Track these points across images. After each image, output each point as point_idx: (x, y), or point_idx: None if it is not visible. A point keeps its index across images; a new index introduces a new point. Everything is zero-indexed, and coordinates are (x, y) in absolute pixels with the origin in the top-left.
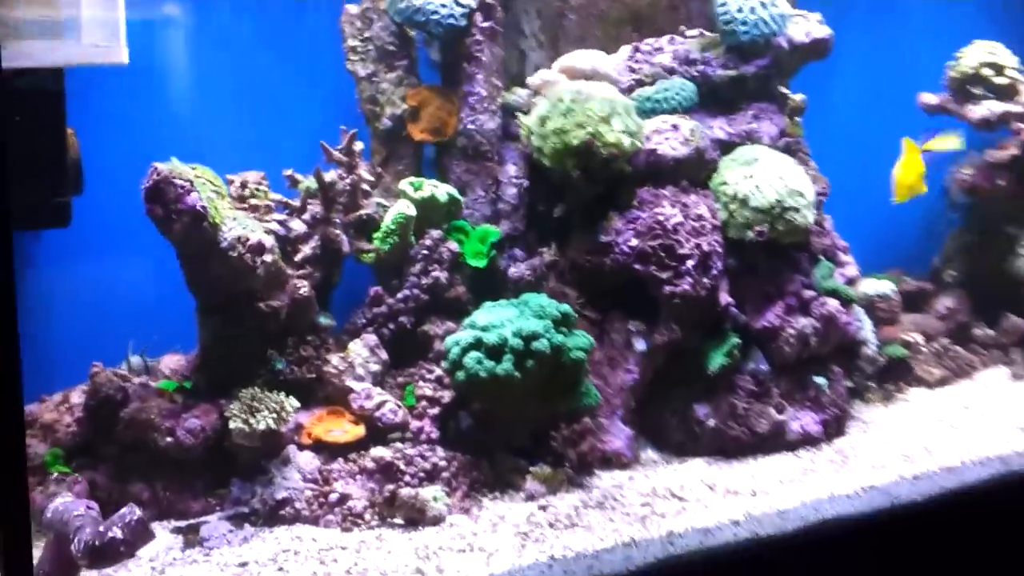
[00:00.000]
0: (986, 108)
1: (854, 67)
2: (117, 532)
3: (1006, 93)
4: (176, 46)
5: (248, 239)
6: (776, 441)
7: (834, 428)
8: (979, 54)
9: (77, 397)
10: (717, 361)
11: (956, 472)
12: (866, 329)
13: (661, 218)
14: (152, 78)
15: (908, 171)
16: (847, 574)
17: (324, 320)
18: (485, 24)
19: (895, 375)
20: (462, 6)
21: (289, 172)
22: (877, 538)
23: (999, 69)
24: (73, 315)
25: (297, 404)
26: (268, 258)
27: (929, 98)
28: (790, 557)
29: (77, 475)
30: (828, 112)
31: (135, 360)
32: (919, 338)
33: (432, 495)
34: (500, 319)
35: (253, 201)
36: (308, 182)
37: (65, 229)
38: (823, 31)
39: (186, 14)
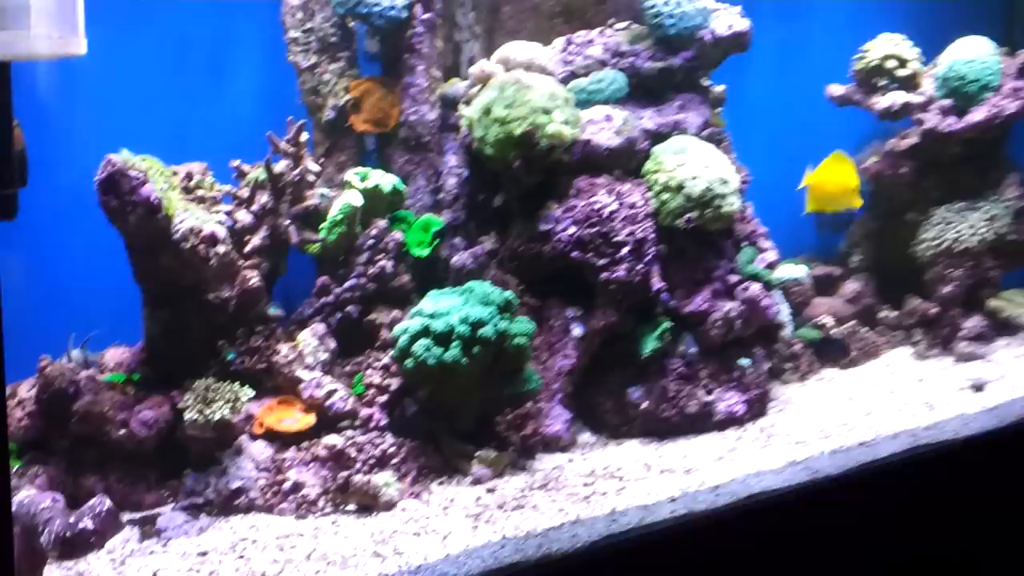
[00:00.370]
0: (890, 99)
1: (765, 59)
2: (88, 523)
3: (909, 84)
4: (117, 36)
5: (201, 230)
6: (705, 421)
7: (757, 407)
8: (884, 47)
9: (26, 391)
10: (650, 345)
11: (870, 446)
12: (784, 313)
13: (597, 206)
14: (92, 68)
15: (830, 179)
16: (776, 545)
17: (273, 310)
18: (425, 16)
19: (828, 354)
20: None
21: (237, 163)
22: (801, 509)
23: (902, 61)
24: (14, 308)
25: (251, 393)
26: (221, 249)
27: (836, 89)
28: (723, 530)
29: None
30: (742, 103)
31: (76, 354)
32: (829, 321)
33: (384, 481)
34: (447, 307)
35: (200, 192)
36: (255, 173)
37: (10, 221)
38: (743, 24)
39: (126, 2)
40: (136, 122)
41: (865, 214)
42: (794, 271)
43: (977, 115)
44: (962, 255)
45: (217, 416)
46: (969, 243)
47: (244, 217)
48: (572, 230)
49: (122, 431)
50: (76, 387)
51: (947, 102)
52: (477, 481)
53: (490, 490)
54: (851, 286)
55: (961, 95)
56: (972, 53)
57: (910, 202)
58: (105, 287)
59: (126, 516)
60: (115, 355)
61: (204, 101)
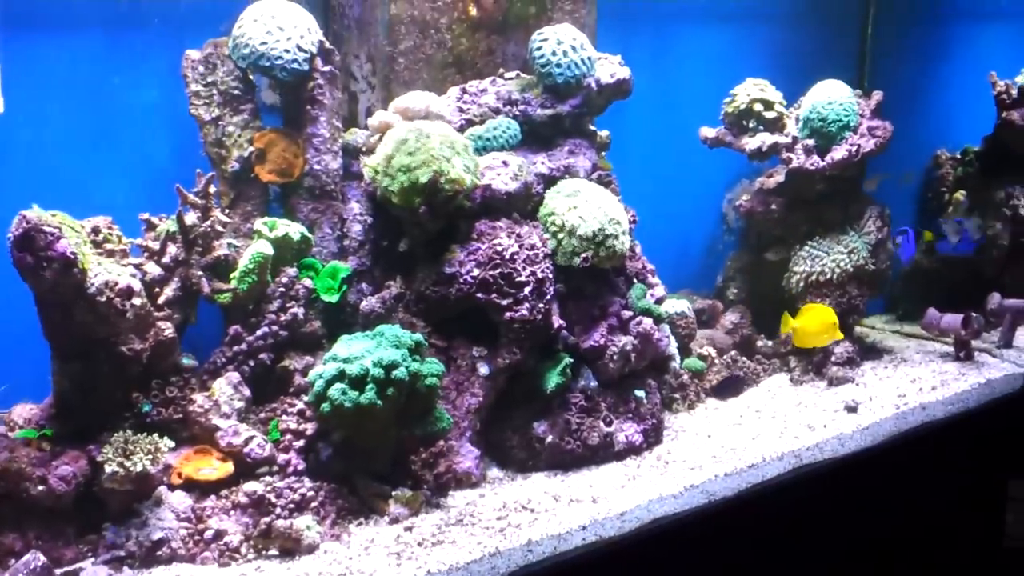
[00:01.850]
0: (759, 140)
1: (643, 104)
2: None
3: (774, 126)
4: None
5: (117, 283)
6: (606, 452)
7: (653, 436)
8: (750, 90)
9: None
10: (553, 380)
11: (758, 468)
12: (672, 345)
13: (499, 248)
14: None
15: (810, 322)
16: (680, 564)
17: (187, 361)
18: (325, 68)
19: (731, 389)
20: (304, 51)
21: (145, 216)
22: (700, 529)
23: (768, 104)
24: None
25: (172, 444)
26: (137, 301)
27: (708, 131)
28: (632, 554)
29: None
30: (624, 147)
31: None
32: (712, 351)
33: (305, 524)
34: (360, 351)
35: (108, 246)
36: (165, 225)
37: None
38: (625, 72)
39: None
40: (42, 179)
41: (739, 249)
42: (676, 305)
43: (838, 153)
44: (829, 285)
45: (139, 467)
46: (835, 274)
47: (153, 269)
48: (476, 272)
49: (40, 487)
50: None
51: (810, 142)
52: (395, 520)
53: (408, 528)
54: (729, 317)
55: (823, 135)
56: (831, 95)
57: (780, 237)
58: (5, 344)
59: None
60: (23, 412)
61: (103, 155)
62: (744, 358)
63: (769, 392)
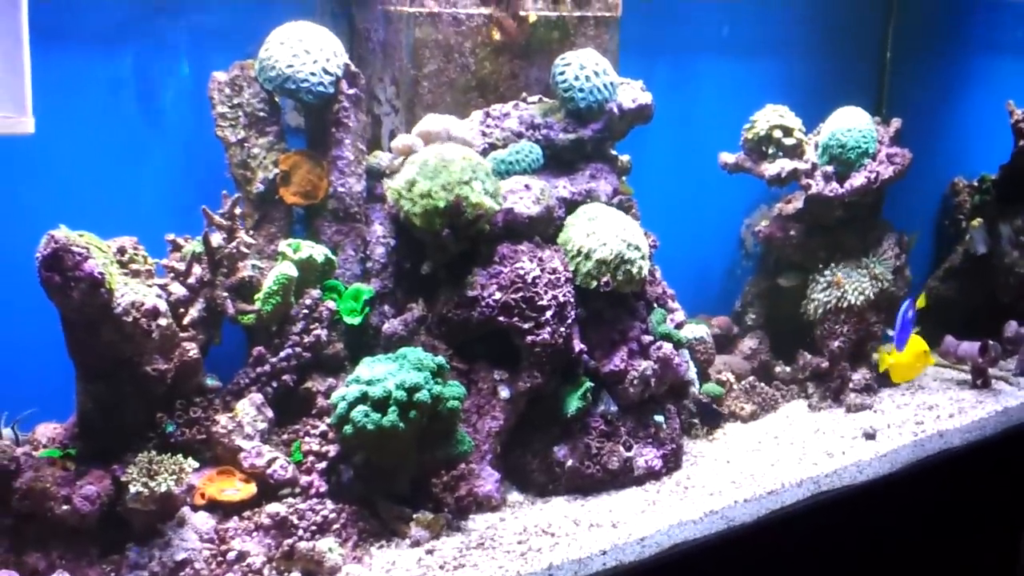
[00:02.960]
0: (778, 166)
1: (663, 129)
2: None
3: (794, 152)
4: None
5: (143, 303)
6: (626, 476)
7: (672, 462)
8: (770, 117)
9: None
10: (573, 404)
11: (777, 494)
12: (692, 370)
13: (522, 272)
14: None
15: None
16: None
17: (210, 382)
18: (351, 91)
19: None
20: (330, 74)
21: (171, 236)
22: (720, 555)
23: (788, 131)
24: None
25: (196, 465)
26: (163, 322)
27: (727, 157)
28: None
29: None
30: (645, 171)
31: (6, 433)
32: (731, 377)
33: (328, 546)
34: (382, 373)
35: (134, 266)
36: (191, 246)
37: None
38: (646, 97)
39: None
40: (68, 198)
41: (757, 274)
42: (695, 330)
43: (857, 180)
44: (847, 312)
45: (163, 488)
46: (853, 300)
47: (178, 290)
48: (498, 295)
49: (65, 507)
50: (17, 464)
51: (829, 168)
52: (416, 543)
53: (429, 551)
54: (747, 343)
55: (842, 162)
56: (851, 122)
57: (798, 262)
58: (29, 364)
59: None
60: (46, 431)
61: (129, 175)
62: (762, 384)
63: (787, 418)
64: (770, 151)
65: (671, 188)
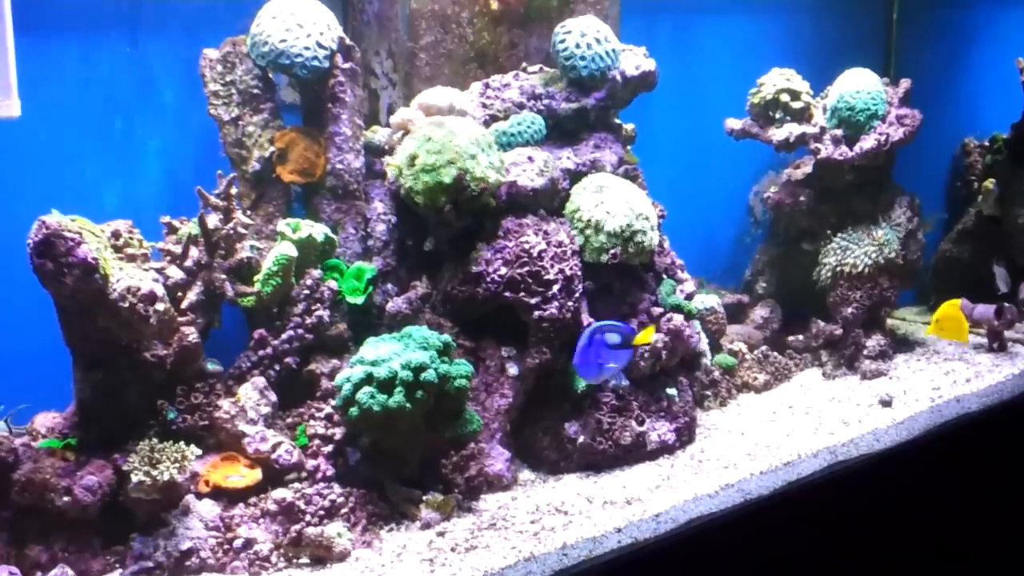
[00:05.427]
0: (786, 131)
1: (665, 97)
2: None
3: (802, 116)
4: (36, 99)
5: (139, 288)
6: (639, 451)
7: (686, 435)
8: (776, 80)
9: None
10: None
11: (794, 465)
12: (703, 341)
13: (527, 246)
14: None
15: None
16: (718, 564)
17: (211, 366)
18: (346, 65)
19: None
20: (324, 48)
21: (166, 219)
22: (738, 529)
23: (795, 94)
24: None
25: (198, 452)
26: (160, 307)
27: (734, 123)
28: (669, 556)
29: None
30: (647, 139)
31: (0, 426)
32: (743, 347)
33: (336, 531)
34: (387, 353)
35: (129, 250)
36: (186, 228)
37: None
38: (650, 64)
39: (39, 59)
40: (54, 182)
41: (767, 242)
42: (706, 300)
43: (867, 143)
44: (860, 278)
45: (165, 476)
46: (865, 266)
47: (176, 273)
48: (503, 271)
49: (66, 498)
50: (15, 455)
51: (838, 131)
52: (427, 525)
53: (440, 533)
54: (759, 312)
55: (851, 124)
56: (859, 84)
57: (809, 229)
58: (24, 353)
59: None
60: (45, 421)
61: (123, 158)
62: (775, 353)
63: (802, 387)
64: (777, 115)
65: (677, 156)
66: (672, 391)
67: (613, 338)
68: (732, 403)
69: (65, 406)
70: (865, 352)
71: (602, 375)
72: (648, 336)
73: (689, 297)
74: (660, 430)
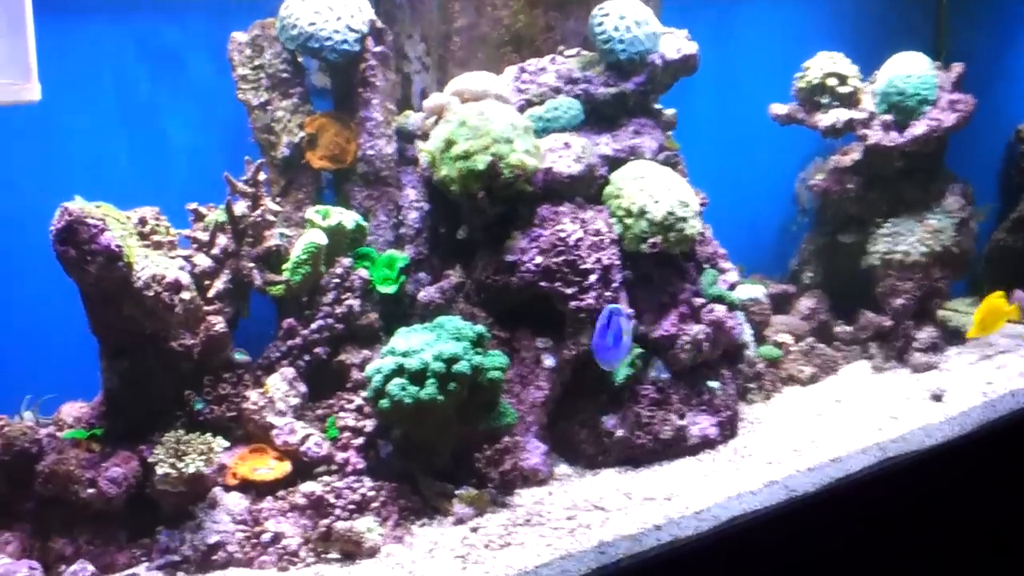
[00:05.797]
0: (833, 116)
1: (708, 81)
2: None
3: (849, 101)
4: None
5: (164, 277)
6: (679, 446)
7: (728, 429)
8: (823, 64)
9: None
10: (622, 372)
11: (841, 461)
12: (746, 332)
13: (563, 234)
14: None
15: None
16: (762, 564)
17: (240, 356)
18: (377, 49)
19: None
20: (354, 31)
21: (193, 206)
22: (782, 527)
23: (842, 79)
24: None
25: (225, 444)
26: (186, 295)
27: (779, 108)
28: (710, 555)
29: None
30: (689, 125)
31: (27, 417)
32: (788, 339)
33: (366, 526)
34: (419, 344)
35: (155, 238)
36: (213, 215)
37: None
38: (692, 47)
39: (65, 45)
40: (84, 168)
41: (814, 231)
42: (753, 291)
43: (918, 129)
44: (911, 267)
45: (191, 469)
46: (916, 256)
47: (203, 261)
48: (539, 260)
49: (90, 490)
50: (39, 446)
51: (888, 117)
52: (460, 520)
53: (474, 529)
54: (806, 303)
55: (901, 110)
56: (910, 68)
57: (857, 217)
58: (53, 341)
59: None
60: (72, 410)
61: (152, 144)
62: (822, 345)
63: (849, 381)
64: (824, 100)
65: (720, 142)
66: (714, 384)
67: (625, 322)
68: (777, 396)
69: (94, 396)
70: (915, 344)
71: (624, 354)
72: None
73: (732, 287)
74: (701, 424)
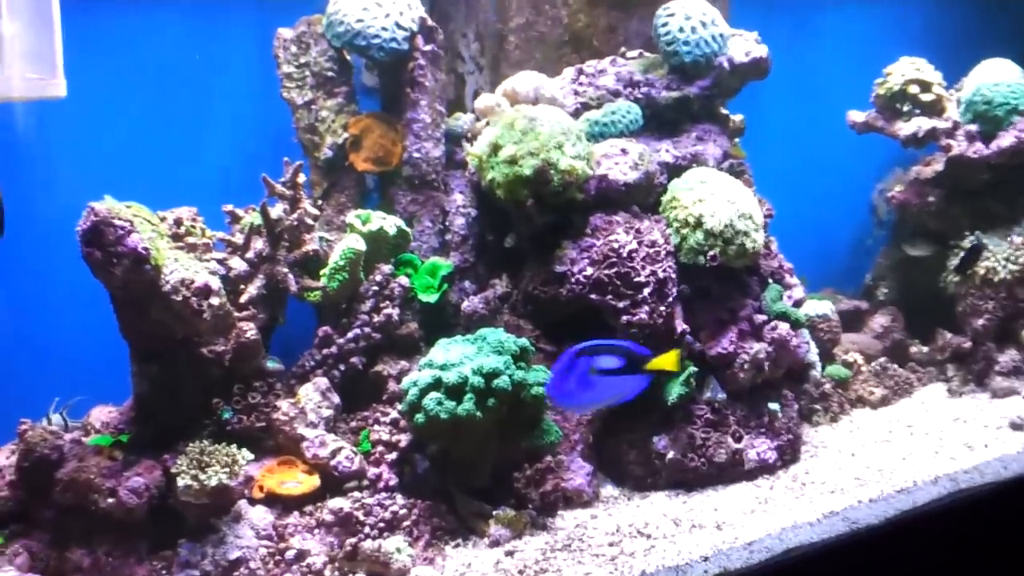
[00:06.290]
0: (914, 125)
1: (782, 86)
2: None
3: (932, 109)
4: (98, 77)
5: (193, 281)
6: (735, 470)
7: (789, 454)
8: (905, 70)
9: (5, 458)
10: (675, 391)
11: (909, 493)
12: (812, 351)
13: (616, 245)
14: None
15: None
16: None
17: (271, 364)
18: (427, 48)
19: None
20: (404, 29)
21: (229, 208)
22: (841, 563)
23: (925, 85)
24: None
25: (250, 456)
26: (215, 301)
27: (857, 116)
28: None
29: (16, 546)
30: (760, 132)
31: (56, 419)
32: (859, 358)
33: (395, 546)
34: (458, 356)
35: (190, 239)
36: (250, 218)
37: None
38: (761, 50)
39: (105, 42)
40: (121, 166)
41: (890, 244)
42: (818, 307)
43: (1005, 140)
44: (995, 286)
45: (213, 482)
46: (1001, 273)
47: (239, 265)
48: (589, 271)
49: (110, 500)
50: (60, 453)
51: (973, 127)
52: (495, 543)
53: (509, 553)
54: (879, 320)
55: (988, 120)
56: (998, 76)
57: (937, 232)
58: (87, 344)
59: None
60: (101, 414)
61: (193, 142)
62: (895, 366)
63: (923, 404)
64: (905, 108)
65: (792, 150)
66: (775, 405)
67: (607, 362)
68: (844, 419)
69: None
70: (997, 368)
71: (593, 405)
72: (671, 360)
73: (798, 304)
74: (760, 448)
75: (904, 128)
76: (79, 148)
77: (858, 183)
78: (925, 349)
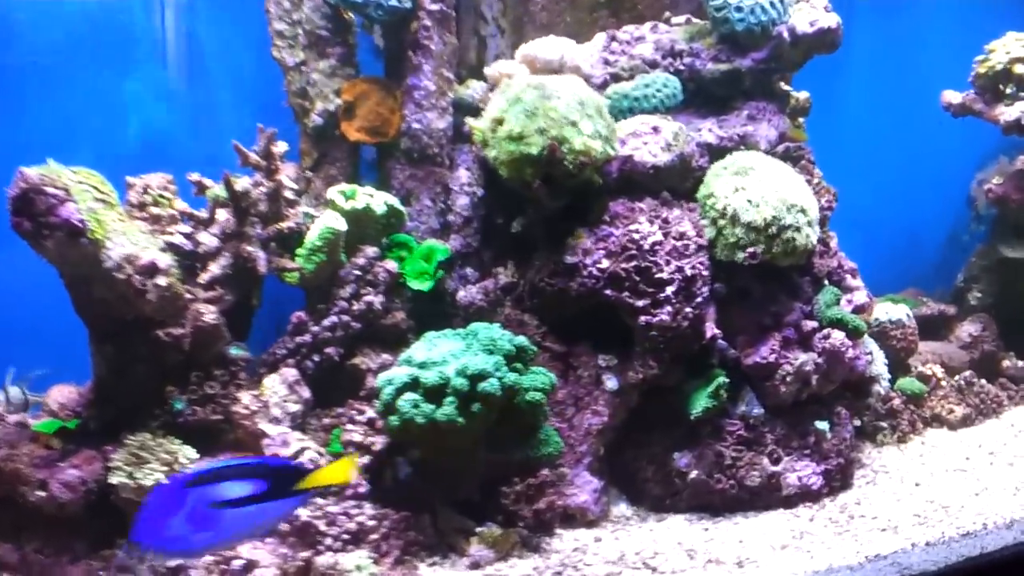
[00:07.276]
0: (1018, 110)
1: (865, 61)
2: None
3: None
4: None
5: (139, 258)
6: (770, 496)
7: (838, 480)
8: (1011, 47)
9: None
10: (701, 403)
11: (975, 538)
12: (878, 363)
13: (637, 236)
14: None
15: None
16: None
17: (236, 351)
18: (434, 7)
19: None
20: None
21: (196, 177)
22: None
23: None
24: None
25: (195, 455)
26: (162, 281)
27: (952, 97)
28: None
29: None
30: (834, 113)
31: (14, 392)
32: (938, 370)
33: (355, 563)
34: (442, 354)
35: (155, 210)
36: (218, 189)
37: None
38: (831, 19)
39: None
40: (98, 130)
41: (988, 243)
42: (891, 311)
43: None
44: None
45: (148, 481)
46: None
47: (209, 240)
48: (605, 264)
49: (40, 492)
50: None
51: None
52: (475, 564)
53: None
54: (968, 328)
55: None
56: None
57: None
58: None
59: None
60: (60, 395)
61: (179, 104)
62: (982, 381)
63: (1012, 428)
64: (1009, 90)
65: (871, 134)
66: (823, 424)
67: (235, 489)
68: (914, 440)
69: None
70: None
71: (217, 546)
72: (342, 472)
73: (859, 310)
74: (802, 471)
75: (1006, 113)
76: (58, 111)
77: (954, 172)
78: (1020, 364)
